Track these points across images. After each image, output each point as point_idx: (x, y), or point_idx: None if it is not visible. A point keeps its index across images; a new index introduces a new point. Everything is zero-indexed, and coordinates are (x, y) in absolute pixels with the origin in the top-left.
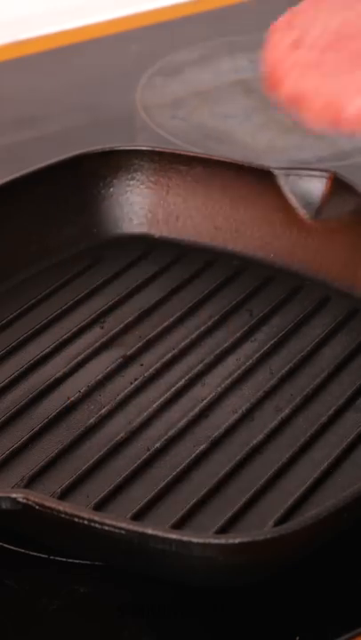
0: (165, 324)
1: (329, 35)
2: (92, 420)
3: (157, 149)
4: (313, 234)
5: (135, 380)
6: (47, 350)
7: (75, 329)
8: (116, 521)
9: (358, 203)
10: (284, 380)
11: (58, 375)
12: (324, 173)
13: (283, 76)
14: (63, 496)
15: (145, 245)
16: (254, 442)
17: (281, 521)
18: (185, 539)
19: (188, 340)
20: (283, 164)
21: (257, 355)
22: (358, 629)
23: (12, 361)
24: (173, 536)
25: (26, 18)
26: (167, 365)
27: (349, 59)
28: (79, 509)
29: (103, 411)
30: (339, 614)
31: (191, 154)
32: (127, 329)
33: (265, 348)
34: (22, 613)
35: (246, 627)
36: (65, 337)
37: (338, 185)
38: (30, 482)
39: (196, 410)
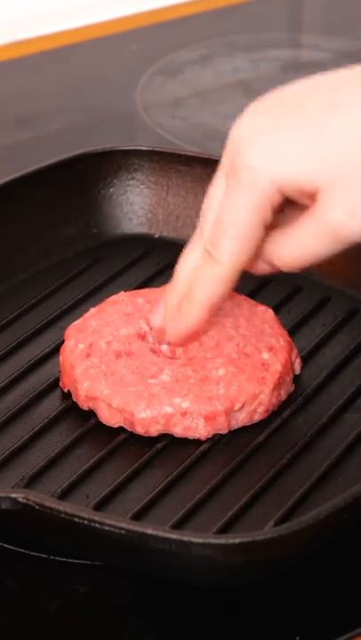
0: None
1: (117, 344)
2: (91, 420)
3: (157, 149)
4: None
5: None
6: (47, 350)
7: None
8: (116, 521)
9: None
10: None
11: (58, 375)
12: None
13: (77, 380)
14: (63, 496)
15: (145, 245)
16: (255, 442)
17: (281, 521)
18: (185, 539)
19: None
20: None
21: None
22: (358, 629)
23: (12, 361)
24: (173, 536)
25: (26, 18)
26: None
27: (136, 370)
28: (79, 509)
29: None
30: (339, 614)
31: (191, 154)
32: None
33: None
34: (22, 613)
35: (246, 627)
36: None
37: None
38: (30, 482)
39: None
